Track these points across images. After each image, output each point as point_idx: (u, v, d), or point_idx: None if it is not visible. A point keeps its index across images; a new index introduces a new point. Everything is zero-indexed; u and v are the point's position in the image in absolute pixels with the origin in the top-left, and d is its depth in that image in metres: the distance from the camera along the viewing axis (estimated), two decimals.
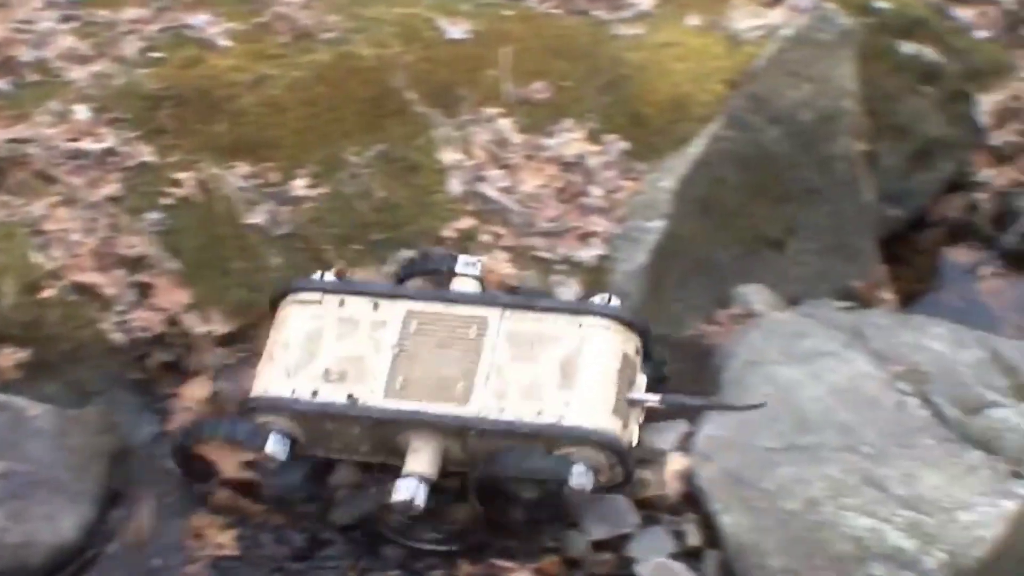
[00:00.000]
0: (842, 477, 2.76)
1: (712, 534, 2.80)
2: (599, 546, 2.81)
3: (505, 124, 3.33)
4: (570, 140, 3.31)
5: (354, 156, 3.24)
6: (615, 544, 2.82)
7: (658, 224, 3.19)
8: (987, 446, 2.78)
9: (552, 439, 2.64)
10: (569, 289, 3.05)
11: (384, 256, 3.16)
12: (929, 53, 3.70)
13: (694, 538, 2.82)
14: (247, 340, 3.05)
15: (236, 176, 3.19)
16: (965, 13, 4.03)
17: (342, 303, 2.79)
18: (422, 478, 2.62)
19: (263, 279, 3.09)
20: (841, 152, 3.45)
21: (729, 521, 2.74)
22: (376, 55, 3.40)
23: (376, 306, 2.79)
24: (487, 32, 3.48)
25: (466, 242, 3.19)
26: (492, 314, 2.76)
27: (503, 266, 3.12)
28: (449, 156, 3.27)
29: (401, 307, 2.78)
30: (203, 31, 3.42)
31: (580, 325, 2.76)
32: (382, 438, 2.69)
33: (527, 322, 2.76)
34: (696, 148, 3.27)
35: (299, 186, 3.21)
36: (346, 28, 3.46)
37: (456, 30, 3.47)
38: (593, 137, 3.33)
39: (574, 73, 3.42)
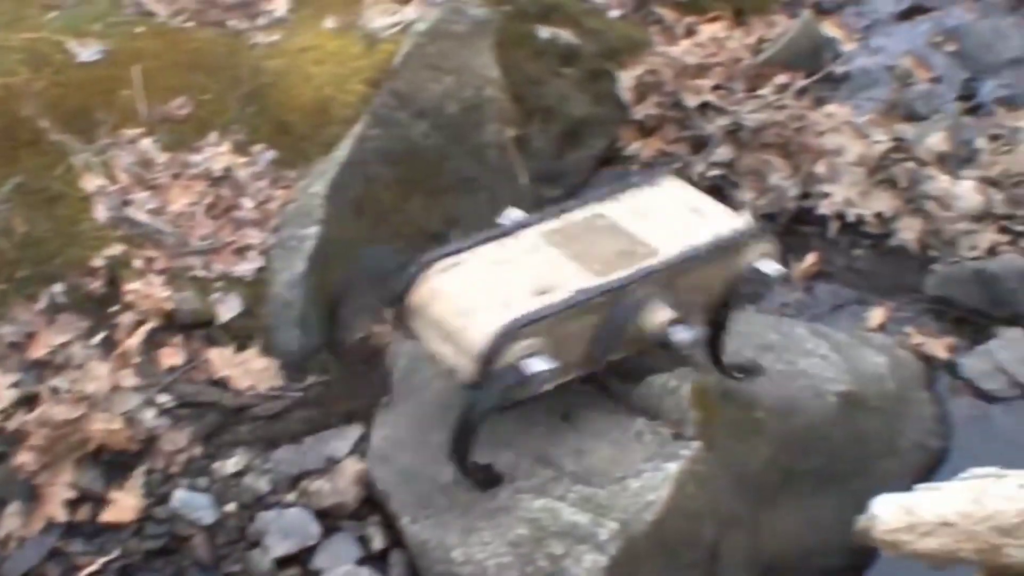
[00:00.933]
0: (516, 461, 2.74)
1: (396, 534, 2.73)
2: (284, 562, 2.74)
3: (148, 144, 3.19)
4: (216, 154, 3.20)
5: None
6: (300, 558, 2.74)
7: (313, 230, 3.12)
8: (650, 412, 2.80)
9: (739, 246, 2.75)
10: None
11: (34, 293, 2.97)
12: (566, 36, 3.75)
13: (379, 541, 2.77)
14: None
15: None
16: None
17: (475, 254, 2.70)
18: (678, 320, 2.62)
19: None
20: (491, 139, 3.44)
21: (409, 519, 2.69)
22: (2, 84, 3.18)
23: (503, 245, 2.73)
24: (120, 51, 3.33)
25: (119, 269, 3.02)
26: (601, 207, 2.81)
27: (158, 290, 2.97)
28: (92, 183, 3.11)
29: (531, 232, 2.75)
30: None
31: (662, 186, 2.89)
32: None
33: (629, 201, 2.83)
34: (344, 150, 3.21)
35: None
36: None
37: (87, 52, 3.30)
38: (240, 149, 3.23)
39: (214, 86, 3.31)
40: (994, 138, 3.78)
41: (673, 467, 2.66)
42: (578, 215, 2.79)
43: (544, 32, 3.68)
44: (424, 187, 3.35)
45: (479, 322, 2.53)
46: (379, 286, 2.81)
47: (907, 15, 4.52)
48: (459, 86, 3.37)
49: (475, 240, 2.73)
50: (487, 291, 2.60)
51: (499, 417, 2.62)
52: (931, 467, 3.09)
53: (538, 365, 2.52)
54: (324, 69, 3.31)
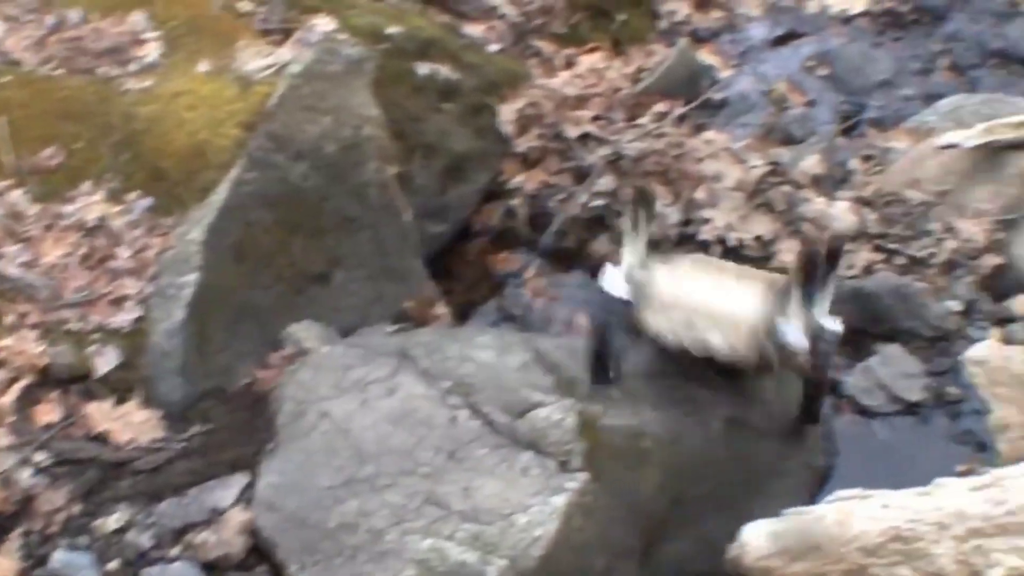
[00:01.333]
0: (404, 502, 2.69)
1: None
2: None
3: (17, 196, 3.10)
4: (90, 204, 3.12)
5: None
6: None
7: (192, 277, 3.05)
8: (536, 445, 2.77)
9: None
10: None
11: None
12: (445, 71, 3.70)
13: None
14: None
15: None
16: (474, 29, 4.04)
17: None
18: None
19: None
20: (372, 178, 3.39)
21: (298, 567, 2.63)
22: None
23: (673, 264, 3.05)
24: None
25: None
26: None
27: (32, 345, 2.87)
28: None
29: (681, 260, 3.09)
30: None
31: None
32: None
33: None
34: (221, 195, 3.14)
35: None
36: None
37: None
38: (114, 197, 3.14)
39: (86, 134, 3.21)
40: (866, 159, 3.83)
41: (560, 500, 2.65)
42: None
43: (423, 68, 3.63)
44: (305, 229, 3.28)
45: (743, 305, 2.82)
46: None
47: (781, 41, 4.56)
48: (337, 126, 3.31)
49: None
50: (720, 286, 2.91)
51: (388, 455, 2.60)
52: (818, 485, 3.10)
53: (793, 335, 2.79)
54: (198, 114, 3.23)
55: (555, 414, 2.81)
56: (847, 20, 4.58)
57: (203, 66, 3.32)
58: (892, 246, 3.54)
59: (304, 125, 3.29)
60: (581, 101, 3.99)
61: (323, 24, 3.42)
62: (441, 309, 3.55)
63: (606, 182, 3.76)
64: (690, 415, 2.95)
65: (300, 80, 3.31)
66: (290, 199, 3.27)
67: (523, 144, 3.85)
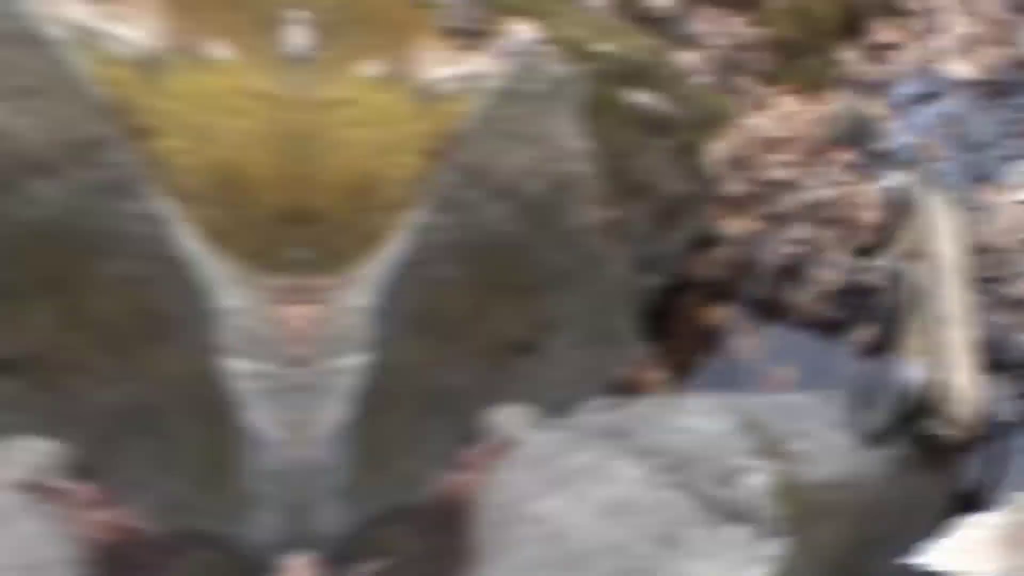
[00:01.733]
0: None
1: None
2: None
3: None
4: None
5: None
6: None
7: (356, 360, 1.27)
8: (744, 515, 1.84)
9: None
10: None
11: None
12: (658, 102, 1.90)
13: None
14: None
15: None
16: (684, 57, 2.27)
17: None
18: None
19: None
20: (583, 223, 1.97)
21: None
22: None
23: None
24: None
25: None
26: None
27: None
28: None
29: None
30: None
31: None
32: None
33: None
34: (398, 245, 1.29)
35: None
36: None
37: None
38: None
39: None
40: (973, 210, 2.69)
41: (763, 569, 1.77)
42: None
43: (633, 97, 1.79)
44: (506, 287, 1.94)
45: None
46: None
47: (926, 98, 2.84)
48: (543, 159, 1.86)
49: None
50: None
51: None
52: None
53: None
54: (365, 132, 1.57)
55: (759, 478, 1.89)
56: (967, 84, 2.82)
57: (370, 67, 1.50)
58: (990, 287, 2.59)
59: (503, 156, 1.64)
60: (780, 144, 2.48)
61: (526, 32, 1.56)
62: (658, 373, 2.16)
63: (803, 230, 2.32)
64: (867, 459, 2.06)
65: (498, 99, 1.56)
66: (487, 249, 1.87)
67: (730, 187, 2.37)
